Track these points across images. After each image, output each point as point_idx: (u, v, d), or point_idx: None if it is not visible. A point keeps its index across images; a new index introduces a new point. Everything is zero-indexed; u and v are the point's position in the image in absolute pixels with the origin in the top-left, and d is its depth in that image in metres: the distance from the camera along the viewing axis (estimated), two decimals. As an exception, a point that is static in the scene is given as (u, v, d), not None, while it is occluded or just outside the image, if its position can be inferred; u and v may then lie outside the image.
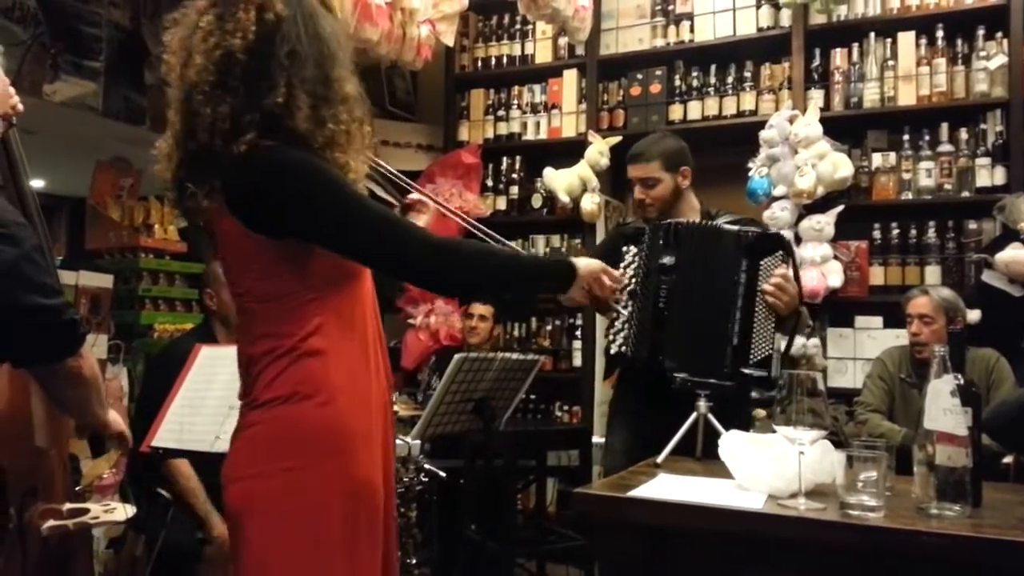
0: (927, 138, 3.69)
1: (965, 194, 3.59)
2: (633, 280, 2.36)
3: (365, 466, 1.37)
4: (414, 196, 1.78)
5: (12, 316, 1.41)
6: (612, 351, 2.41)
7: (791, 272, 2.23)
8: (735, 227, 2.33)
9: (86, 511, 1.86)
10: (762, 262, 2.23)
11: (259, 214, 1.33)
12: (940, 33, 3.67)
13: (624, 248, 2.43)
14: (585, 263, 1.61)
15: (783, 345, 2.32)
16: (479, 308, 3.97)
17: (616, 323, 2.39)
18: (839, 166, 3.57)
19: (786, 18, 3.93)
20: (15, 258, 1.41)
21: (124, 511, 1.91)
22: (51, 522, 1.77)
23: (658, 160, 2.58)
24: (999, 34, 3.59)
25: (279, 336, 1.35)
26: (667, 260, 2.26)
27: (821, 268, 3.60)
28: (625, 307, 2.30)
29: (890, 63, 3.75)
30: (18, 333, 1.44)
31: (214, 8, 1.35)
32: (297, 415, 1.33)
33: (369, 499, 1.37)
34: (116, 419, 1.81)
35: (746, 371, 2.14)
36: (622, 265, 2.41)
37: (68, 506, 1.86)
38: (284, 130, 1.33)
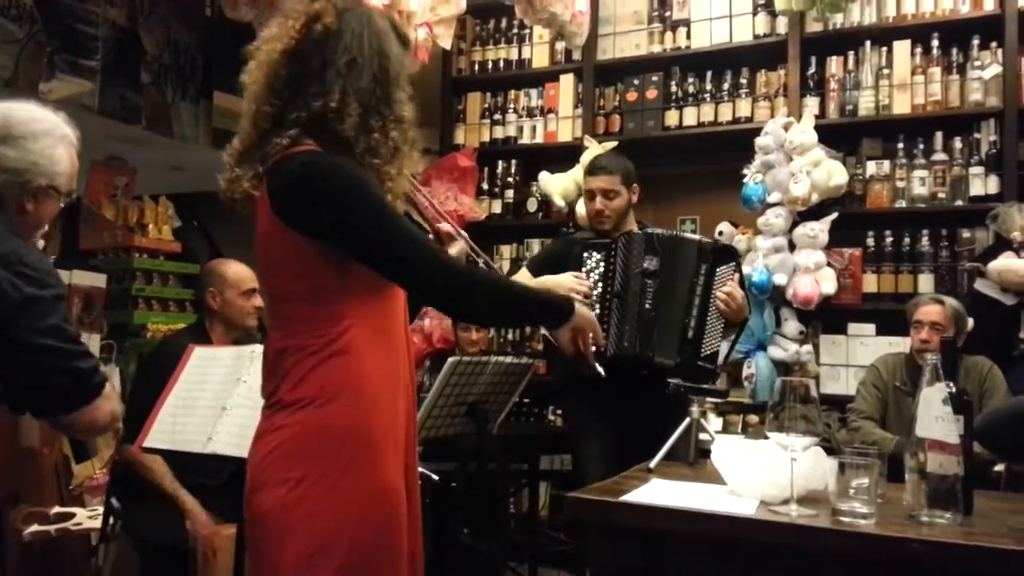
0: (921, 147, 3.71)
1: (959, 203, 3.61)
2: (601, 284, 2.59)
3: (389, 470, 1.38)
4: (446, 227, 1.80)
5: (21, 352, 1.42)
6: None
7: (738, 281, 2.57)
8: (697, 237, 2.68)
9: (72, 516, 1.84)
10: (718, 269, 2.52)
11: (296, 211, 1.36)
12: (935, 42, 3.69)
13: (585, 254, 2.58)
14: (584, 309, 1.60)
15: (726, 348, 2.62)
16: None
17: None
18: (834, 173, 3.58)
19: (782, 25, 3.95)
20: (32, 296, 1.44)
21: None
22: (35, 527, 1.75)
23: (619, 174, 2.78)
24: (993, 44, 3.61)
25: (308, 335, 1.36)
26: (650, 265, 2.53)
27: (815, 275, 3.61)
28: (592, 309, 2.41)
29: (885, 72, 3.76)
30: (26, 375, 1.44)
31: (277, 22, 1.45)
32: (323, 418, 1.33)
33: (394, 503, 1.38)
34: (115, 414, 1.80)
35: (698, 363, 2.47)
36: (584, 270, 2.56)
37: (56, 510, 1.84)
38: (329, 132, 1.38)
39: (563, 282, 2.55)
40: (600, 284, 2.58)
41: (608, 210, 2.74)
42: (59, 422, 1.55)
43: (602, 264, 2.59)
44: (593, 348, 1.63)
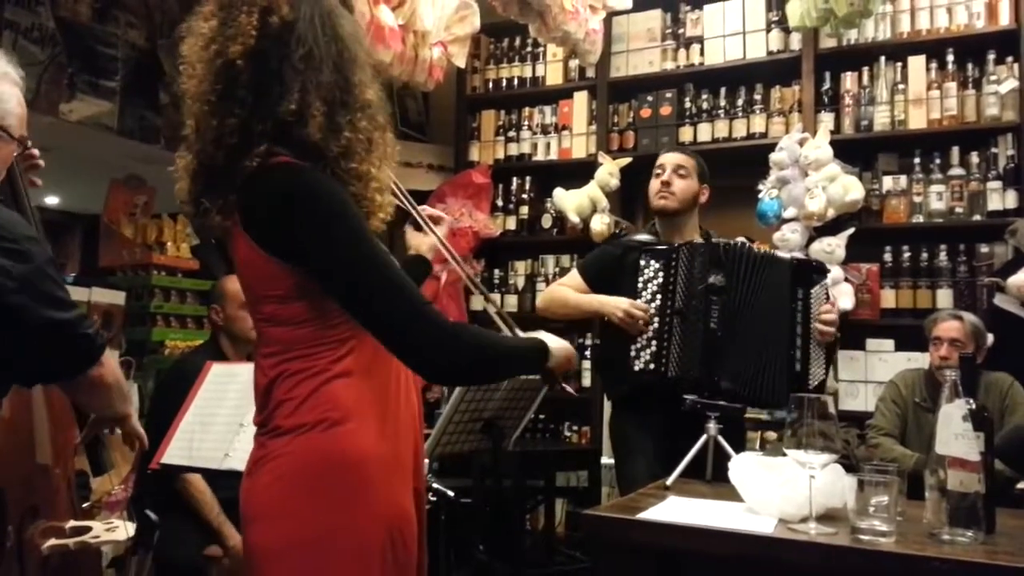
0: (938, 161, 3.69)
1: (976, 217, 3.58)
2: (659, 296, 2.40)
3: (400, 494, 1.29)
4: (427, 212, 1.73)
5: (28, 332, 1.40)
6: (637, 368, 2.41)
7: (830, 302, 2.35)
8: (787, 256, 2.45)
9: (88, 529, 1.84)
10: (812, 291, 2.30)
11: (272, 236, 1.23)
12: (950, 57, 3.67)
13: (642, 261, 2.44)
14: (556, 345, 1.42)
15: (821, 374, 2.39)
16: None
17: (640, 340, 2.41)
18: (850, 189, 3.57)
19: (796, 41, 3.95)
20: (26, 273, 1.38)
21: (126, 530, 1.90)
22: (52, 541, 1.76)
23: (695, 161, 2.69)
24: (1010, 58, 3.59)
25: (308, 358, 1.25)
26: (716, 280, 2.30)
27: (832, 290, 3.59)
28: (651, 324, 2.34)
29: (900, 87, 3.76)
30: (35, 349, 1.42)
31: (218, 13, 1.26)
32: (326, 444, 1.22)
33: (405, 529, 1.29)
34: (135, 421, 1.81)
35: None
36: (641, 279, 2.44)
37: (71, 524, 1.84)
38: (296, 139, 1.23)
39: (619, 303, 2.42)
40: (659, 296, 2.40)
41: (674, 186, 2.55)
42: (69, 385, 1.54)
43: (661, 274, 2.40)
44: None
